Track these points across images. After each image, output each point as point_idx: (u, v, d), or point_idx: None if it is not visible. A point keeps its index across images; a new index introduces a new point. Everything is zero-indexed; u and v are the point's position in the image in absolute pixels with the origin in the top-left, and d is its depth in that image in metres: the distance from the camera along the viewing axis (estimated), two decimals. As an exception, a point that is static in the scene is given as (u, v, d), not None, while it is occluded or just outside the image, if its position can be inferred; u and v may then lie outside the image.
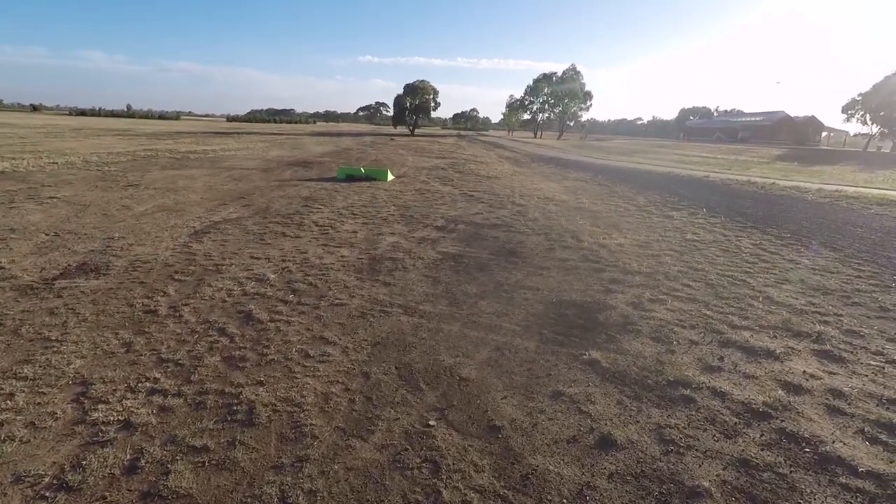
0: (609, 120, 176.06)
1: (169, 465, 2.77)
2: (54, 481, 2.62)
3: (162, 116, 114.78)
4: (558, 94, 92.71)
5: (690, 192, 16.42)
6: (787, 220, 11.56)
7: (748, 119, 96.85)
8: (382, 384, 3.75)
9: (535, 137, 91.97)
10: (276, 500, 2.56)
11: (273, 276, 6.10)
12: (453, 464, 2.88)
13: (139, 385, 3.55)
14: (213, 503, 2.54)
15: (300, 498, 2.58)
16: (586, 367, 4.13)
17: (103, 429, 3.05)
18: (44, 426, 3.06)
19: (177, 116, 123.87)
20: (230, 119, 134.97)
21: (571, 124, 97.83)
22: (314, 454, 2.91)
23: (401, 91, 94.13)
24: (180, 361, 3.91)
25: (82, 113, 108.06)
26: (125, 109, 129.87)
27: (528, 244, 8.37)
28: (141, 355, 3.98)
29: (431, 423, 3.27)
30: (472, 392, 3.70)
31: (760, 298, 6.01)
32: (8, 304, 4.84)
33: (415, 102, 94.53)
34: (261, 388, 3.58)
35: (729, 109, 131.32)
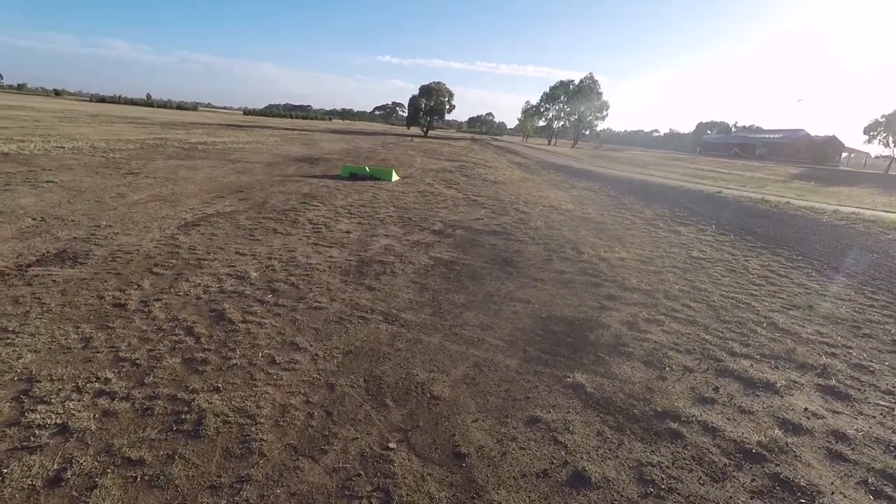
0: (625, 130, 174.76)
1: (97, 479, 2.54)
2: (-31, 490, 2.41)
3: (180, 107, 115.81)
4: (574, 102, 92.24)
5: (701, 207, 16.01)
6: (800, 242, 11.15)
7: (766, 136, 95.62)
8: (346, 398, 3.50)
9: (549, 144, 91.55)
10: (204, 526, 2.32)
11: (255, 274, 5.89)
12: (407, 495, 2.62)
13: (87, 385, 3.33)
14: (136, 526, 2.30)
15: (231, 526, 2.33)
16: (569, 391, 3.84)
17: (36, 433, 2.83)
18: (-25, 426, 2.85)
19: (195, 107, 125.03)
20: (247, 112, 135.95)
21: (587, 133, 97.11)
22: (257, 474, 2.67)
23: (417, 92, 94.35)
24: (138, 361, 3.70)
25: (102, 100, 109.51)
26: (145, 98, 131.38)
27: (525, 254, 8.09)
28: (98, 352, 3.77)
29: (392, 445, 3.02)
30: (441, 412, 3.43)
31: (765, 324, 5.68)
32: (-24, 290, 4.67)
33: (429, 104, 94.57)
34: (216, 396, 3.35)
35: (747, 125, 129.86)
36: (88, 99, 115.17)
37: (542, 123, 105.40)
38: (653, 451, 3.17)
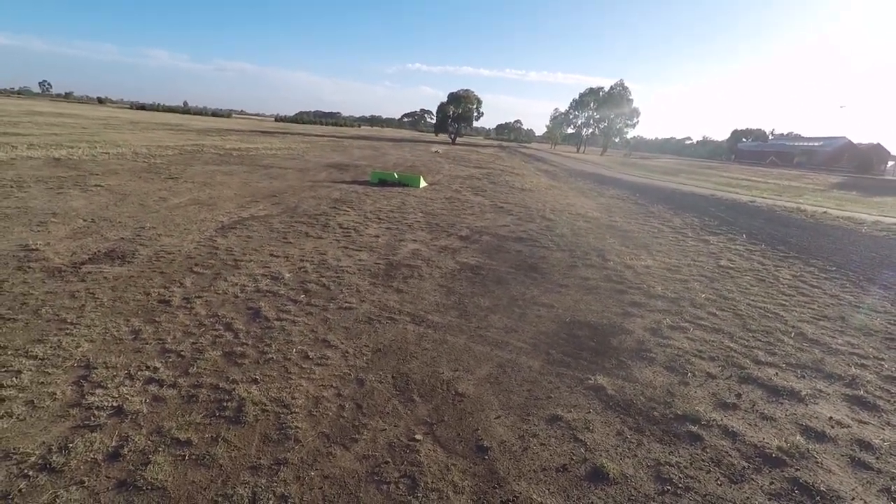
0: (656, 138, 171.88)
1: (150, 456, 2.78)
2: (39, 461, 2.68)
3: (215, 114, 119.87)
4: (604, 109, 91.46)
5: (732, 216, 15.73)
6: (835, 252, 10.87)
7: (806, 144, 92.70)
8: (375, 392, 3.69)
9: (578, 152, 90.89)
10: (246, 501, 2.52)
11: (288, 275, 6.16)
12: (432, 482, 2.78)
13: (139, 373, 3.61)
14: (185, 499, 2.52)
15: (270, 502, 2.53)
16: (590, 393, 3.94)
17: (96, 413, 3.11)
18: (42, 406, 3.15)
19: (229, 114, 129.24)
20: (278, 119, 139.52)
21: (616, 141, 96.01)
22: (293, 458, 2.87)
23: (445, 99, 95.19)
24: (182, 353, 3.97)
25: (142, 107, 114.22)
26: (182, 105, 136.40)
27: (550, 260, 8.17)
28: (146, 344, 4.07)
29: (418, 437, 3.18)
30: (465, 408, 3.58)
31: (792, 334, 5.63)
32: (35, 284, 5.06)
33: (458, 111, 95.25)
34: (254, 387, 3.58)
35: (785, 133, 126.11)
36: (129, 106, 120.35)
37: (570, 131, 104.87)
38: (671, 451, 3.24)
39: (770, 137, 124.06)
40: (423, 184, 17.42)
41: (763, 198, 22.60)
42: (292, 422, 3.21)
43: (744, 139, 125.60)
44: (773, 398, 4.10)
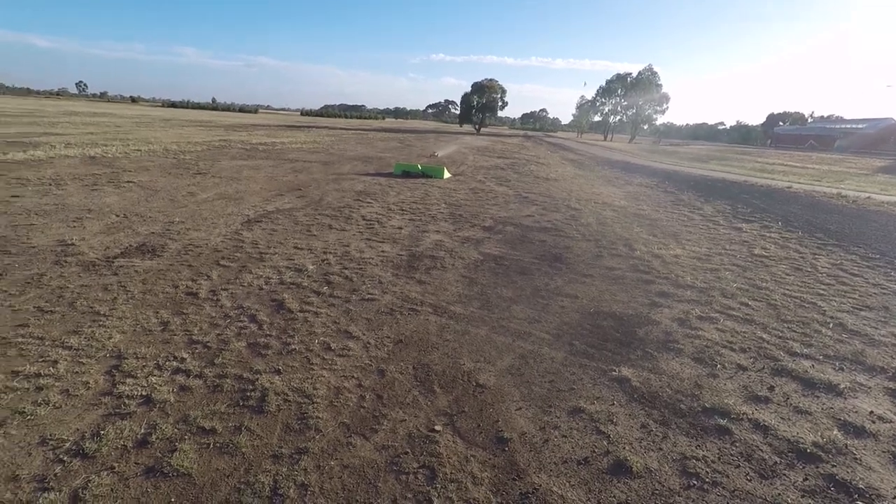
0: (687, 124, 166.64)
1: (177, 444, 2.85)
2: (73, 447, 2.78)
3: (242, 109, 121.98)
4: (632, 95, 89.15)
5: (766, 203, 15.15)
6: (879, 240, 10.36)
7: (848, 126, 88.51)
8: (396, 383, 3.69)
9: (605, 140, 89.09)
10: (267, 489, 2.56)
11: (312, 267, 6.22)
12: (451, 473, 2.77)
13: (167, 363, 3.71)
14: (209, 485, 2.58)
15: (291, 490, 2.56)
16: (614, 385, 3.86)
17: (126, 402, 3.20)
18: (76, 394, 3.26)
19: (255, 110, 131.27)
20: (304, 113, 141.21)
21: (645, 128, 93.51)
22: (314, 448, 2.90)
23: (469, 90, 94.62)
24: (209, 344, 4.06)
25: (173, 105, 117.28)
26: (211, 102, 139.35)
27: (575, 250, 8.04)
28: (174, 335, 4.17)
29: (438, 428, 3.17)
30: (486, 400, 3.55)
31: (831, 325, 5.39)
32: (71, 278, 5.25)
33: (482, 101, 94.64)
34: (277, 377, 3.63)
35: (826, 115, 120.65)
36: (161, 104, 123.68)
37: (597, 119, 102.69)
38: (698, 445, 3.14)
39: (809, 120, 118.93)
40: (446, 175, 17.35)
41: (800, 183, 21.68)
42: (314, 412, 3.24)
43: (780, 123, 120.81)
44: (809, 391, 3.94)
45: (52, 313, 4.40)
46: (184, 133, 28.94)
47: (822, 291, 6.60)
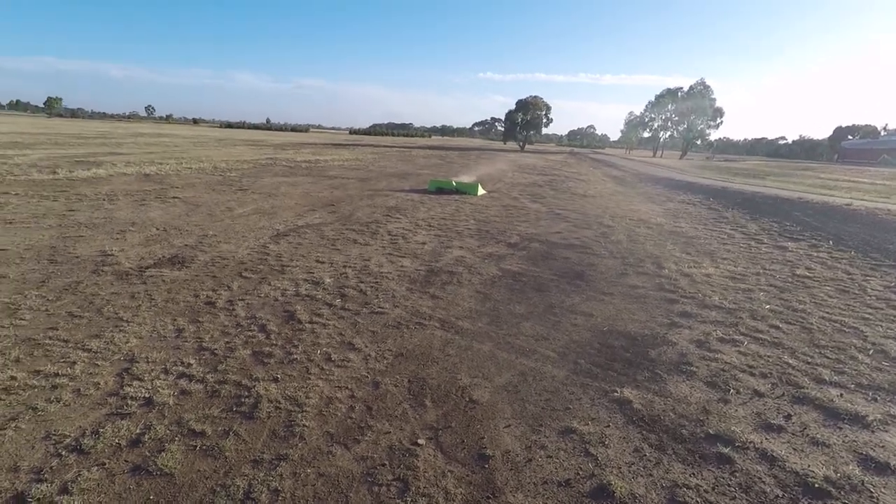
0: (745, 139, 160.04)
1: (166, 444, 2.97)
2: (73, 443, 2.95)
3: (294, 129, 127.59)
4: (683, 110, 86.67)
5: (820, 220, 14.25)
6: (942, 261, 9.51)
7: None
8: (388, 396, 3.70)
9: (654, 156, 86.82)
10: (241, 493, 2.62)
11: (329, 280, 6.37)
12: (424, 487, 2.73)
13: (173, 368, 3.89)
14: (188, 486, 2.67)
15: (263, 495, 2.61)
16: (613, 406, 3.71)
17: (129, 403, 3.37)
18: (86, 394, 3.47)
19: (306, 129, 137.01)
20: (352, 132, 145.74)
21: (699, 143, 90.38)
22: (294, 455, 2.95)
23: (514, 107, 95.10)
24: (216, 351, 4.22)
25: (229, 125, 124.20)
26: (265, 122, 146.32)
27: (599, 267, 7.84)
28: (186, 341, 4.37)
29: (420, 441, 3.15)
30: (476, 415, 3.50)
31: (871, 352, 4.98)
32: (104, 286, 5.61)
33: (526, 118, 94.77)
34: (273, 385, 3.72)
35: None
36: (219, 125, 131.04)
37: (646, 135, 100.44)
38: (693, 473, 2.96)
39: (882, 133, 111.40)
40: (481, 192, 17.39)
41: (864, 200, 20.28)
42: (301, 420, 3.30)
43: (849, 137, 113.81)
44: (831, 422, 3.64)
45: (80, 318, 4.71)
46: (234, 152, 30.51)
47: (867, 315, 6.12)
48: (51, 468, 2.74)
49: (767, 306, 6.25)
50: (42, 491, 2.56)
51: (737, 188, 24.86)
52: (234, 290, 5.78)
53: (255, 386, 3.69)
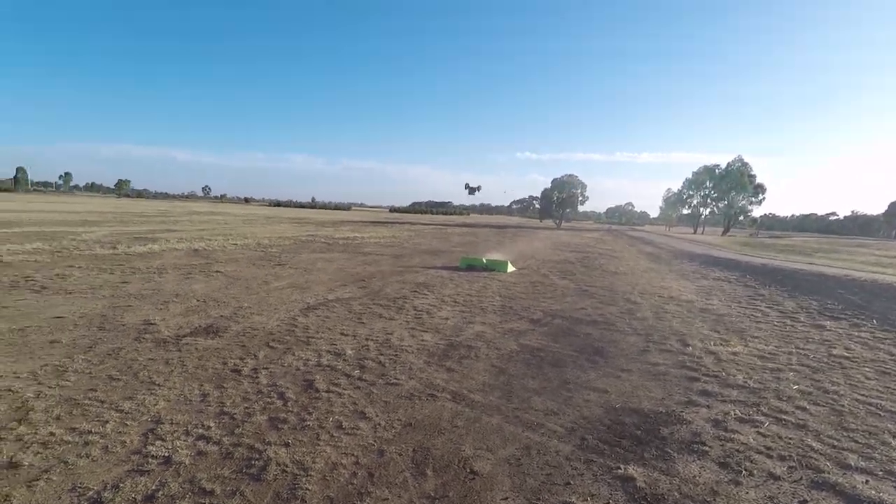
0: (793, 215, 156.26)
1: (177, 501, 3.17)
2: (94, 496, 3.19)
3: (337, 207, 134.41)
4: (721, 187, 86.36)
5: (865, 299, 13.64)
6: None
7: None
8: (391, 464, 3.80)
9: (694, 233, 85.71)
10: (239, 551, 2.76)
11: (351, 352, 6.63)
12: (414, 555, 2.79)
13: (194, 430, 4.14)
14: (192, 542, 2.82)
15: (259, 554, 2.73)
16: (615, 483, 3.67)
17: (149, 461, 3.62)
18: (112, 451, 3.75)
19: (348, 207, 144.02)
20: (392, 210, 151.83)
21: (742, 219, 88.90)
22: (294, 517, 3.07)
23: (549, 185, 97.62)
24: (235, 415, 4.47)
25: (278, 204, 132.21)
26: (310, 200, 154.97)
27: (620, 344, 7.79)
28: (209, 405, 4.65)
29: (416, 510, 3.22)
30: (474, 487, 3.54)
31: (907, 437, 4.71)
32: (143, 352, 6.07)
33: (561, 196, 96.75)
34: (283, 449, 3.90)
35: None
36: (268, 203, 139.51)
37: (686, 211, 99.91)
38: (691, 554, 2.89)
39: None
40: (510, 268, 17.64)
41: (915, 279, 19.28)
42: (305, 483, 3.44)
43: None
44: (850, 509, 3.46)
45: (118, 381, 5.11)
46: (278, 229, 32.36)
47: (907, 399, 5.80)
48: (106, 492, 2.97)
49: (796, 387, 6.03)
50: (62, 538, 2.78)
51: (777, 265, 24.17)
52: (259, 358, 6.11)
53: (266, 449, 3.88)
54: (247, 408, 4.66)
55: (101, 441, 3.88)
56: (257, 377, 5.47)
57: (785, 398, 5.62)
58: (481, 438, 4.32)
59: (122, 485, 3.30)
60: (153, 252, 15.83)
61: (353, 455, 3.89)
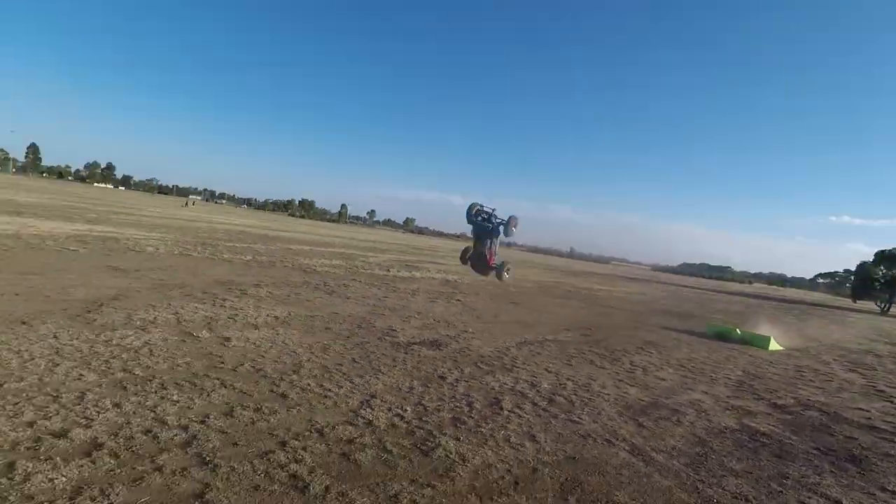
0: None
1: (366, 449, 4.11)
2: (319, 428, 4.40)
3: (596, 260, 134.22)
4: None
5: None
6: None
7: None
8: (539, 482, 4.01)
9: None
10: (392, 494, 3.45)
11: (546, 385, 6.91)
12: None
13: (395, 409, 5.18)
14: (371, 475, 3.66)
15: (405, 500, 3.37)
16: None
17: (358, 419, 4.75)
18: (339, 406, 5.03)
19: (608, 262, 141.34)
20: (656, 269, 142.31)
21: None
22: (440, 487, 3.63)
23: (872, 259, 75.89)
24: (428, 407, 5.37)
25: (536, 250, 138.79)
26: (568, 251, 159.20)
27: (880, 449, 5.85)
28: (412, 396, 5.69)
29: (544, 524, 3.36)
30: (613, 529, 3.44)
31: None
32: (381, 349, 7.69)
33: (890, 273, 73.68)
34: (453, 442, 4.54)
35: None
36: (526, 249, 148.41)
37: None
38: None
39: None
40: (773, 346, 14.70)
41: None
42: (459, 470, 3.99)
43: None
44: None
45: (357, 364, 6.68)
46: (528, 273, 34.41)
47: None
48: (327, 428, 4.20)
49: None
50: (290, 469, 4.00)
51: None
52: (464, 373, 6.98)
53: (440, 438, 4.58)
54: (439, 405, 5.49)
55: (334, 398, 5.24)
56: (457, 386, 6.31)
57: None
58: (642, 493, 4.08)
59: (337, 427, 4.46)
60: (414, 278, 19.15)
61: (508, 463, 4.24)
